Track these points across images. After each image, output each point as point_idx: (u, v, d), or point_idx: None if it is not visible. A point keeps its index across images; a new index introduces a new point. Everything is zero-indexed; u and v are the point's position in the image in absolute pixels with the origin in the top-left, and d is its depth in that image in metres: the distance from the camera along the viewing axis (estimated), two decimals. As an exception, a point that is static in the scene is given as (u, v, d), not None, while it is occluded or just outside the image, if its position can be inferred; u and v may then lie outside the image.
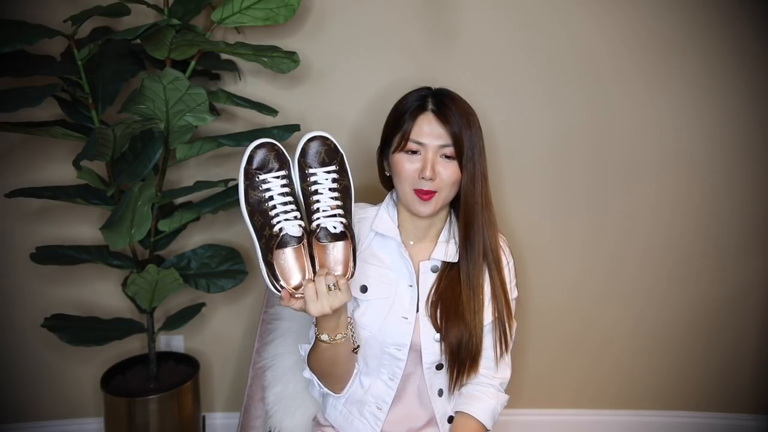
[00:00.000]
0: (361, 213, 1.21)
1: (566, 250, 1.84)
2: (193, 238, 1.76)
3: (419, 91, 1.14)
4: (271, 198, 0.96)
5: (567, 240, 1.83)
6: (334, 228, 0.96)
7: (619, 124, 1.75)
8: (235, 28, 1.61)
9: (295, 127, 1.48)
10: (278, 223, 0.94)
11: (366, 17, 1.66)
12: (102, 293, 1.77)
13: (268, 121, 1.60)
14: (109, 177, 1.42)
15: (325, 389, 1.14)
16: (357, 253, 1.01)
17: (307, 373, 1.14)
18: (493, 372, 1.19)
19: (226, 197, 1.52)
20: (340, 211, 0.97)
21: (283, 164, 0.98)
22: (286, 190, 0.97)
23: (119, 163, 1.40)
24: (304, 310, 0.96)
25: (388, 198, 1.22)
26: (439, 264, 1.17)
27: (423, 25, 1.67)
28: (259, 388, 1.34)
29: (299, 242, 0.96)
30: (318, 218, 0.96)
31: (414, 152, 1.10)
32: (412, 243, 1.19)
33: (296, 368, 1.28)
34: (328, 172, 0.99)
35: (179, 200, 1.67)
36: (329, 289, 0.95)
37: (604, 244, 1.84)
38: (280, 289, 0.96)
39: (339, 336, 1.03)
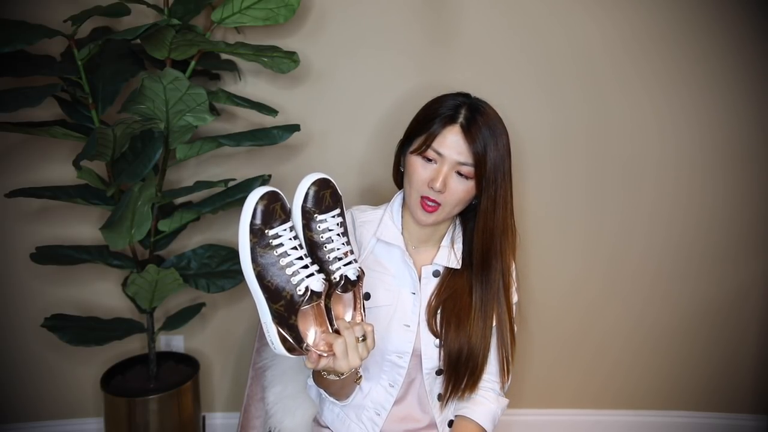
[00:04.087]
0: (363, 216, 1.17)
1: (566, 250, 1.84)
2: (193, 238, 1.76)
3: (456, 98, 1.09)
4: (284, 254, 0.85)
5: (566, 240, 1.83)
6: (354, 275, 0.89)
7: (618, 123, 1.75)
8: (235, 28, 1.61)
9: (295, 127, 1.48)
10: (301, 281, 0.84)
11: (366, 17, 1.66)
12: (102, 293, 1.77)
13: (268, 121, 1.60)
14: (109, 177, 1.42)
15: (331, 399, 1.13)
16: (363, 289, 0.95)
17: (311, 382, 1.12)
18: (494, 377, 1.19)
19: (226, 197, 1.52)
20: (354, 257, 0.92)
21: (288, 214, 0.89)
22: (298, 243, 0.87)
23: (119, 163, 1.40)
24: (328, 369, 0.89)
25: (395, 198, 1.19)
26: (441, 269, 1.15)
27: (423, 25, 1.67)
28: (259, 388, 1.34)
29: (320, 297, 0.86)
30: (338, 268, 0.89)
31: (430, 160, 1.06)
32: (414, 247, 1.17)
33: (296, 368, 1.28)
34: (334, 216, 0.92)
35: (179, 200, 1.67)
36: (358, 340, 0.88)
37: (604, 244, 1.83)
38: (305, 351, 0.87)
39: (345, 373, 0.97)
